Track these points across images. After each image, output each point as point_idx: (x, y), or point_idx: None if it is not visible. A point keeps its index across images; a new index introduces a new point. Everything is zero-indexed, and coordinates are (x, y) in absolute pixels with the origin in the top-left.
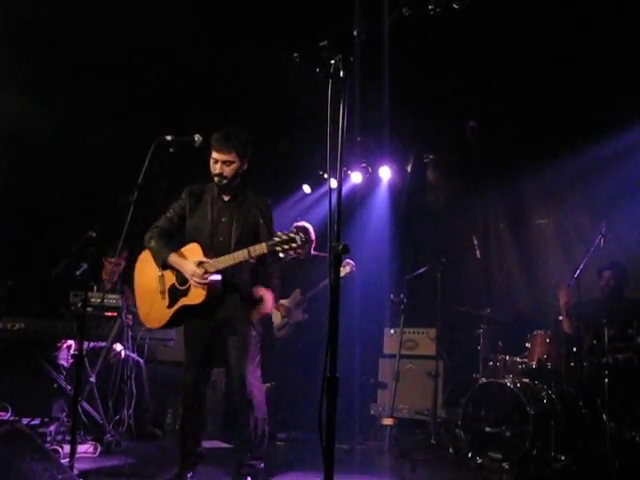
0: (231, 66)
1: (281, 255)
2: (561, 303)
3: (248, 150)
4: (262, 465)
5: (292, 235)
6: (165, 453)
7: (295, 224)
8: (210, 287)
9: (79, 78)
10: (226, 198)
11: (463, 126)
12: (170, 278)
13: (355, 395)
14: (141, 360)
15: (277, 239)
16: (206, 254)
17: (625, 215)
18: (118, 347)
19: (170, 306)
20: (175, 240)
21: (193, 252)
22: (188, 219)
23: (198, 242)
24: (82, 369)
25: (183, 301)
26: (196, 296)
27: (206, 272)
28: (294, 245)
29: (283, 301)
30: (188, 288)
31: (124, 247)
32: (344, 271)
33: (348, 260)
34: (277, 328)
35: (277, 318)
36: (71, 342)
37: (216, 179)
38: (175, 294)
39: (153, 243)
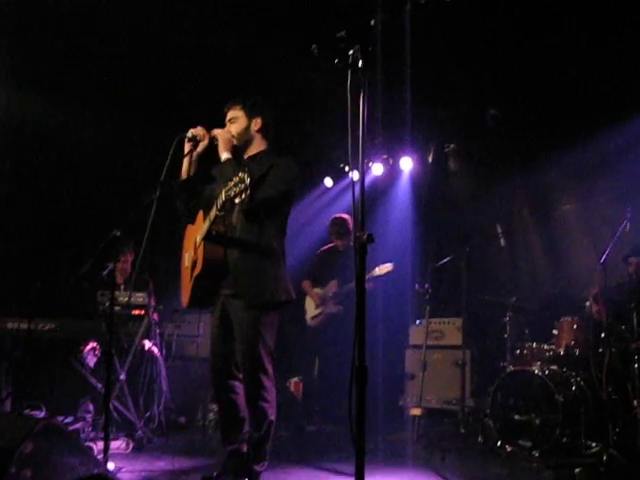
0: (250, 59)
1: (235, 199)
2: (592, 291)
3: (258, 108)
4: (264, 468)
5: (241, 175)
6: (194, 448)
7: (334, 216)
8: (206, 255)
9: (98, 74)
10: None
11: (484, 114)
12: (191, 254)
13: (382, 386)
14: (159, 357)
15: (231, 183)
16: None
17: None
18: (147, 344)
19: (189, 281)
20: None
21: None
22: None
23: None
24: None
25: (193, 274)
26: (198, 266)
27: None
28: (242, 186)
29: (318, 291)
30: (195, 261)
31: (128, 241)
32: (385, 269)
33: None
34: (310, 317)
35: (311, 307)
36: (94, 344)
37: None
38: (192, 268)
39: None
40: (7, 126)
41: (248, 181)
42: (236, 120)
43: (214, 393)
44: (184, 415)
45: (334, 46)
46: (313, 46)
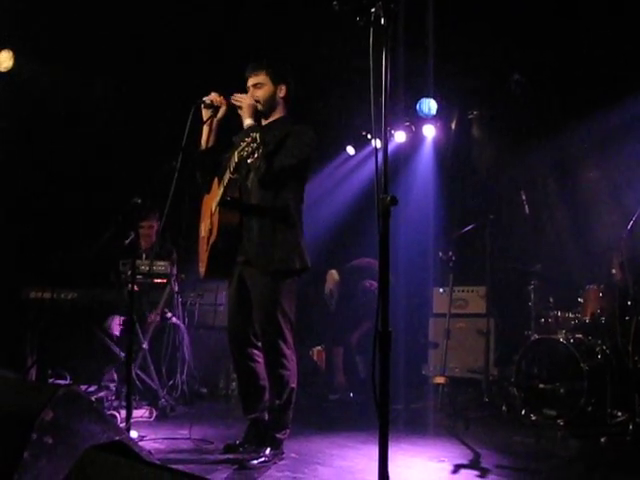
0: (269, 24)
1: (248, 159)
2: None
3: (282, 74)
4: (286, 435)
5: (253, 135)
6: (217, 417)
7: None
8: (222, 221)
9: (117, 41)
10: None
11: (508, 80)
12: (207, 223)
13: (405, 355)
14: (182, 325)
15: (243, 144)
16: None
17: None
18: (153, 316)
19: (206, 251)
20: None
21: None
22: None
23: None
24: (134, 336)
25: (209, 242)
26: (213, 234)
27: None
28: (254, 145)
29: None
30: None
31: (154, 207)
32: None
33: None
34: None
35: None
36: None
37: None
38: (209, 237)
39: None
40: (26, 94)
41: (259, 140)
42: (262, 86)
43: (233, 362)
44: (207, 384)
45: (356, 3)
46: (334, 2)
